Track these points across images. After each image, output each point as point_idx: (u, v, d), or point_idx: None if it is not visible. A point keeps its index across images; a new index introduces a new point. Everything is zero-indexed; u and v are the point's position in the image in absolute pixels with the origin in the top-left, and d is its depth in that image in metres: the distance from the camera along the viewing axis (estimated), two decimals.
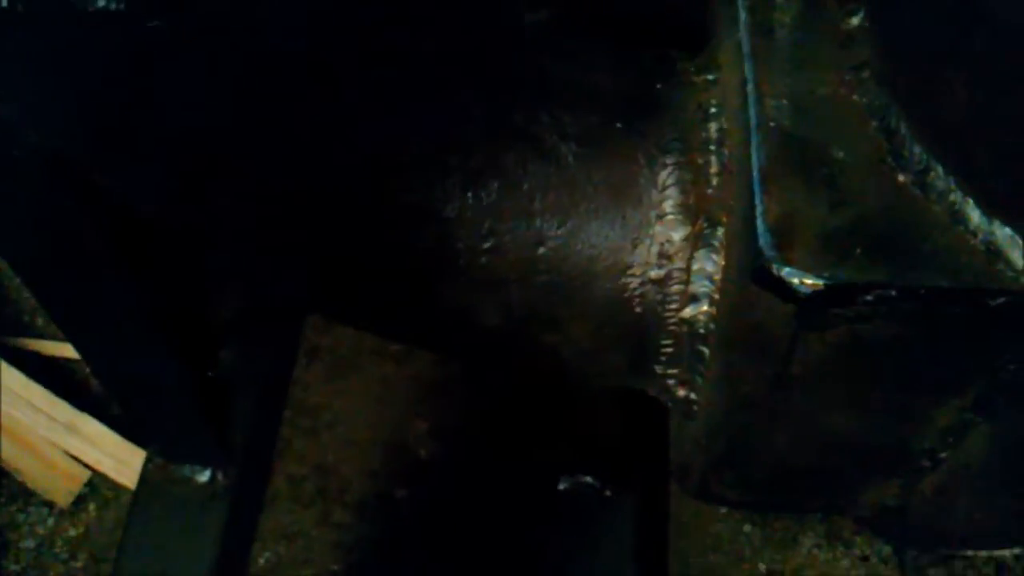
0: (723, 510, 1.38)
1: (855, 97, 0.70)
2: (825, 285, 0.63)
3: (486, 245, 0.74)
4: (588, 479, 1.23)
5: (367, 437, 1.40)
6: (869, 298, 0.64)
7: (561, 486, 1.24)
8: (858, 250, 0.64)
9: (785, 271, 0.64)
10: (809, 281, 0.64)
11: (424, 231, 0.72)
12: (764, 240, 0.65)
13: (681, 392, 0.84)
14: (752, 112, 0.70)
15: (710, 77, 0.81)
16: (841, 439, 0.81)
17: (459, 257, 0.74)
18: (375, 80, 0.65)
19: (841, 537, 1.36)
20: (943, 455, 0.83)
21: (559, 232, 0.76)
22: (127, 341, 0.98)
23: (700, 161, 0.78)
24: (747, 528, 1.39)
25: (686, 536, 1.38)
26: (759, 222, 0.66)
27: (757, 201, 0.66)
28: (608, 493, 1.23)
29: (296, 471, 1.38)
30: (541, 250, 0.76)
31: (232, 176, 0.65)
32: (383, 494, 1.36)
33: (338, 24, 0.61)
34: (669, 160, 0.78)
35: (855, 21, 0.73)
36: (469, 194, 0.72)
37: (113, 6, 0.49)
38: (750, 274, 0.67)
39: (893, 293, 0.63)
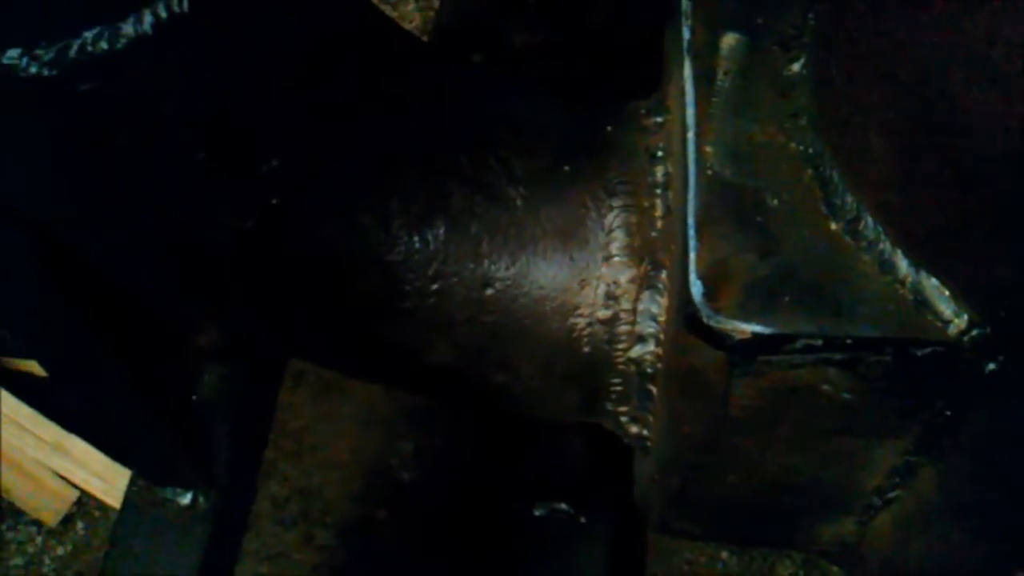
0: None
1: (792, 144, 0.71)
2: (752, 334, 0.64)
3: (434, 287, 0.76)
4: (563, 505, 1.24)
5: (351, 460, 1.42)
6: (797, 347, 0.65)
7: (536, 512, 1.26)
8: (787, 299, 0.65)
9: (714, 319, 0.65)
10: (737, 330, 0.65)
11: (370, 275, 0.73)
12: (695, 288, 0.66)
13: (634, 429, 0.85)
14: (690, 158, 0.71)
15: (659, 120, 0.82)
16: (789, 478, 0.82)
17: (406, 299, 0.75)
18: (308, 131, 0.67)
19: (818, 566, 1.37)
20: (893, 494, 0.84)
21: (507, 274, 0.77)
22: (100, 374, 1.00)
23: (646, 204, 0.79)
24: (724, 555, 1.39)
25: (662, 563, 1.39)
26: (690, 269, 0.67)
27: (690, 248, 0.68)
28: (583, 519, 1.24)
29: (280, 493, 1.40)
30: (489, 291, 0.77)
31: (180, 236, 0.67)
32: (365, 517, 1.37)
33: (262, 81, 0.63)
34: (616, 203, 0.79)
35: (796, 68, 0.75)
36: (415, 238, 0.74)
37: (46, 72, 0.51)
38: (682, 320, 0.68)
39: (820, 342, 0.64)
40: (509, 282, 0.77)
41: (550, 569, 1.23)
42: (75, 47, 0.51)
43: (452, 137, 0.75)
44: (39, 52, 0.53)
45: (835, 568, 1.37)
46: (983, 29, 0.51)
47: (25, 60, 0.52)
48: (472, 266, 0.76)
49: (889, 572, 1.02)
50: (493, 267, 0.77)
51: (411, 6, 1.90)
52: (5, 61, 0.52)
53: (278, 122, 0.65)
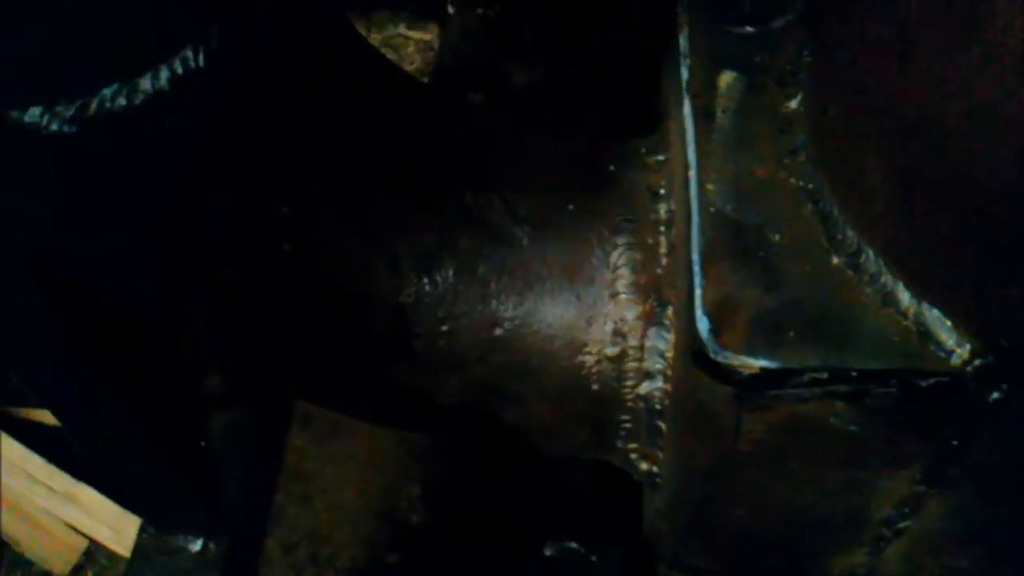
0: None
1: (792, 180, 0.73)
2: (760, 368, 0.65)
3: (443, 328, 0.77)
4: (574, 544, 1.24)
5: (359, 503, 1.41)
6: (804, 380, 0.66)
7: (547, 552, 1.25)
8: (792, 333, 0.66)
9: (721, 355, 0.66)
10: (744, 364, 0.66)
11: (380, 317, 0.74)
12: (701, 324, 0.67)
13: (644, 466, 0.86)
14: (692, 196, 0.73)
15: (660, 158, 0.84)
16: (799, 511, 0.82)
17: (417, 340, 0.76)
18: (316, 176, 0.68)
19: None
20: (903, 525, 0.84)
21: (515, 313, 0.79)
22: (109, 418, 1.01)
23: (650, 241, 0.80)
24: None
25: None
26: (696, 306, 0.68)
27: (695, 285, 0.69)
28: (594, 559, 1.24)
29: (289, 538, 1.39)
30: (498, 331, 0.78)
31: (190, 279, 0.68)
32: (375, 560, 1.37)
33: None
34: (620, 240, 0.80)
35: (793, 105, 0.76)
36: (424, 279, 0.75)
37: (66, 129, 0.52)
38: (690, 356, 0.69)
39: (826, 375, 0.65)
40: (518, 321, 0.78)
41: None
42: (94, 104, 0.53)
43: (456, 178, 0.76)
44: (59, 109, 0.54)
45: None
46: (974, 64, 0.53)
47: (47, 118, 0.54)
48: (481, 306, 0.77)
49: None
50: (501, 307, 0.78)
51: (411, 48, 1.93)
52: (27, 120, 0.54)
53: (288, 166, 0.67)
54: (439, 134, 0.78)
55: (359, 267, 0.72)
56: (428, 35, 1.92)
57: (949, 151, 0.57)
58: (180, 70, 0.54)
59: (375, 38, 1.96)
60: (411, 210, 0.74)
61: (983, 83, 0.53)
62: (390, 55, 2.01)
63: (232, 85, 0.58)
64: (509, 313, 0.78)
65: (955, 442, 0.71)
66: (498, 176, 0.79)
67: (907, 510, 0.81)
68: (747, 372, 0.65)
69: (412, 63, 1.91)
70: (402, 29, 1.94)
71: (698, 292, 0.68)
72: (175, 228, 0.67)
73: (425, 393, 0.81)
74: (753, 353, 0.65)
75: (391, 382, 0.81)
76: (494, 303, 0.77)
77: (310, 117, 0.70)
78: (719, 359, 0.66)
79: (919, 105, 0.58)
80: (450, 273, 0.75)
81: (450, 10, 1.83)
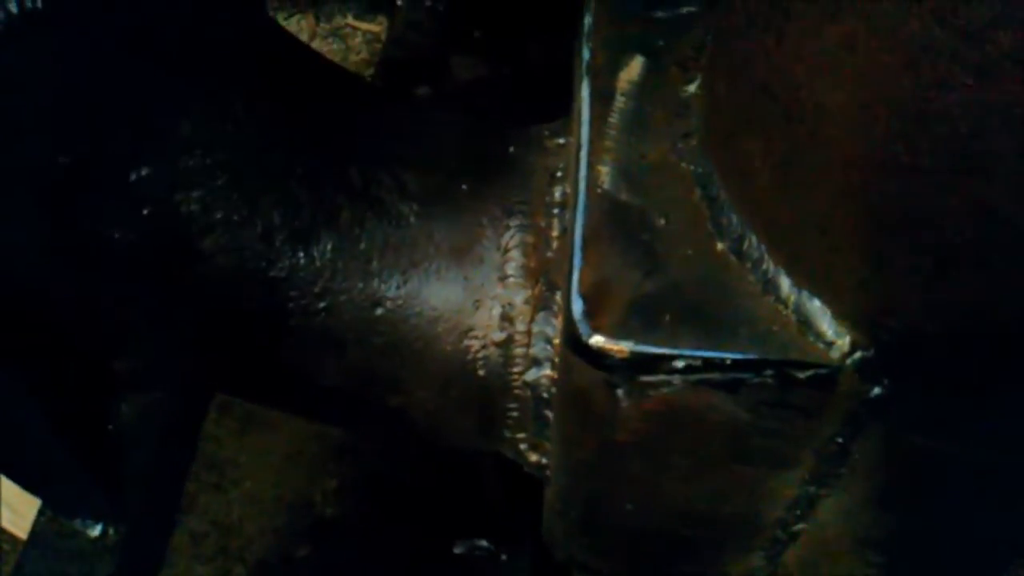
0: None
1: (683, 165, 0.70)
2: (631, 353, 0.63)
3: (321, 305, 0.74)
4: (483, 542, 1.21)
5: (273, 495, 1.38)
6: (677, 367, 0.63)
7: (457, 550, 1.22)
8: (668, 318, 0.64)
9: (593, 338, 0.64)
10: (615, 348, 0.63)
11: (253, 292, 0.71)
12: (575, 306, 0.65)
13: (532, 457, 0.83)
14: (580, 177, 0.70)
15: (561, 141, 0.81)
16: (688, 509, 0.80)
17: (292, 317, 0.73)
18: (182, 136, 0.65)
19: None
20: (797, 527, 0.82)
21: (398, 293, 0.76)
22: (4, 397, 0.97)
23: (543, 224, 0.78)
24: None
25: None
26: (573, 287, 0.65)
27: (574, 267, 0.66)
28: (504, 557, 1.21)
29: (198, 527, 1.36)
30: (380, 311, 0.76)
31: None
32: (285, 553, 1.33)
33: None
34: (513, 222, 0.78)
35: (692, 89, 0.74)
36: (300, 253, 0.72)
37: None
38: (565, 340, 0.66)
39: (699, 363, 0.63)
40: (400, 302, 0.75)
41: None
42: None
43: (341, 150, 0.73)
44: None
45: None
46: (843, 36, 0.50)
47: None
48: (361, 284, 0.74)
49: None
50: (383, 286, 0.75)
51: (358, 39, 1.90)
52: None
53: (147, 126, 0.64)
54: (325, 106, 0.75)
55: (229, 237, 0.69)
56: (375, 27, 1.90)
57: (822, 130, 0.55)
58: (15, 10, 0.51)
59: (323, 27, 1.93)
60: (288, 179, 0.70)
61: (851, 58, 0.51)
62: (336, 45, 1.99)
63: (77, 32, 0.55)
64: (391, 293, 0.75)
65: (840, 440, 0.69)
66: (388, 151, 0.76)
67: (799, 512, 0.79)
68: (619, 356, 0.63)
69: (359, 54, 1.89)
70: (350, 19, 1.91)
71: (576, 274, 0.66)
72: (28, 186, 0.63)
73: (305, 375, 0.78)
74: (626, 337, 0.63)
75: (272, 364, 0.77)
76: (376, 281, 0.74)
77: (173, 69, 0.67)
78: (591, 342, 0.63)
79: (793, 83, 0.55)
80: (328, 248, 0.72)
81: (398, 2, 1.81)
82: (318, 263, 0.72)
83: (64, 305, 0.90)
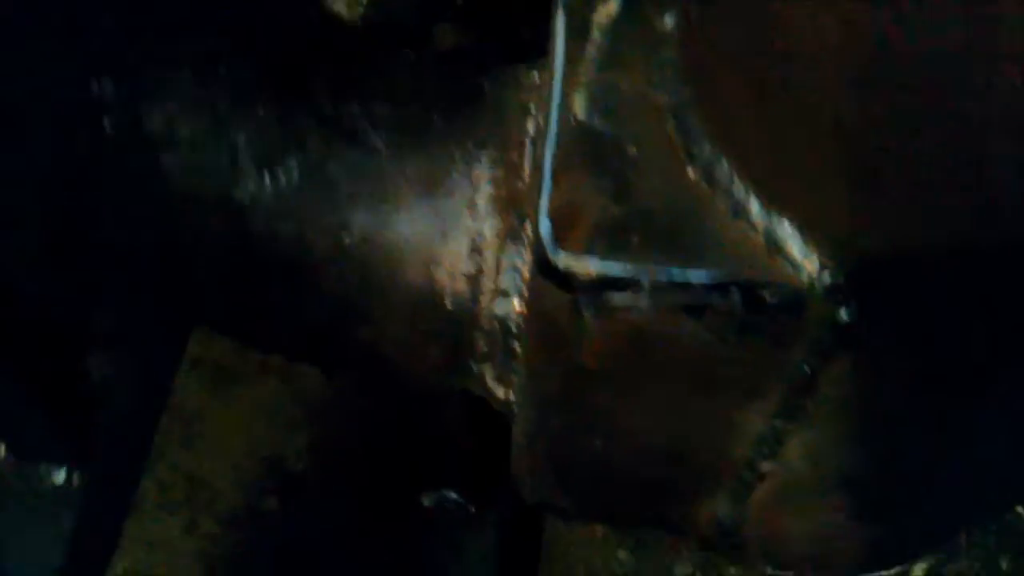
0: (598, 535, 1.36)
1: (657, 96, 0.70)
2: (597, 273, 0.63)
3: (286, 230, 0.73)
4: (452, 495, 1.21)
5: (243, 449, 1.36)
6: (643, 287, 0.63)
7: (425, 502, 1.22)
8: (635, 240, 0.63)
9: (560, 257, 0.63)
10: (582, 268, 0.63)
11: (215, 214, 0.71)
12: (543, 227, 0.64)
13: (500, 392, 0.83)
14: (554, 104, 0.70)
15: (536, 78, 0.81)
16: (655, 444, 0.80)
17: (257, 243, 0.73)
18: (148, 43, 0.64)
19: (716, 568, 1.34)
20: (765, 467, 0.82)
21: (366, 222, 0.75)
22: None
23: (515, 157, 0.77)
24: (621, 554, 1.37)
25: (555, 560, 1.36)
26: (542, 210, 0.65)
27: (543, 189, 0.66)
28: (473, 509, 1.21)
29: (166, 479, 1.34)
30: (347, 239, 0.75)
31: None
32: (254, 507, 1.32)
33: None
34: (484, 155, 0.77)
35: (668, 22, 0.74)
36: (266, 176, 0.71)
37: None
38: (533, 262, 0.66)
39: (666, 284, 0.63)
40: (368, 231, 0.75)
41: (437, 559, 1.19)
42: None
43: (311, 75, 0.72)
44: None
45: (732, 568, 1.35)
46: None
47: None
48: (328, 212, 0.73)
49: (771, 560, 1.01)
50: (351, 214, 0.74)
51: (339, 2, 1.88)
52: None
53: (111, 37, 0.63)
54: (297, 30, 0.75)
55: (193, 155, 0.68)
56: None
57: (797, 57, 0.55)
58: None
59: None
60: (256, 100, 0.70)
61: None
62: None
63: None
64: (359, 221, 0.74)
65: (807, 369, 0.69)
66: (360, 82, 0.76)
67: (766, 450, 0.79)
68: (584, 276, 0.62)
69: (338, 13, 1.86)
70: None
71: (545, 196, 0.65)
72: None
73: (269, 305, 0.77)
74: (592, 257, 0.62)
75: (236, 292, 0.77)
76: (343, 210, 0.74)
77: None
78: (558, 262, 0.63)
79: (768, 10, 0.55)
80: (295, 172, 0.71)
81: None
82: (284, 188, 0.72)
83: (27, 246, 0.88)
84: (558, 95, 0.70)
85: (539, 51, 0.83)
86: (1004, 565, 1.17)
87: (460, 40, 1.81)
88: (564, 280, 0.63)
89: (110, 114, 0.64)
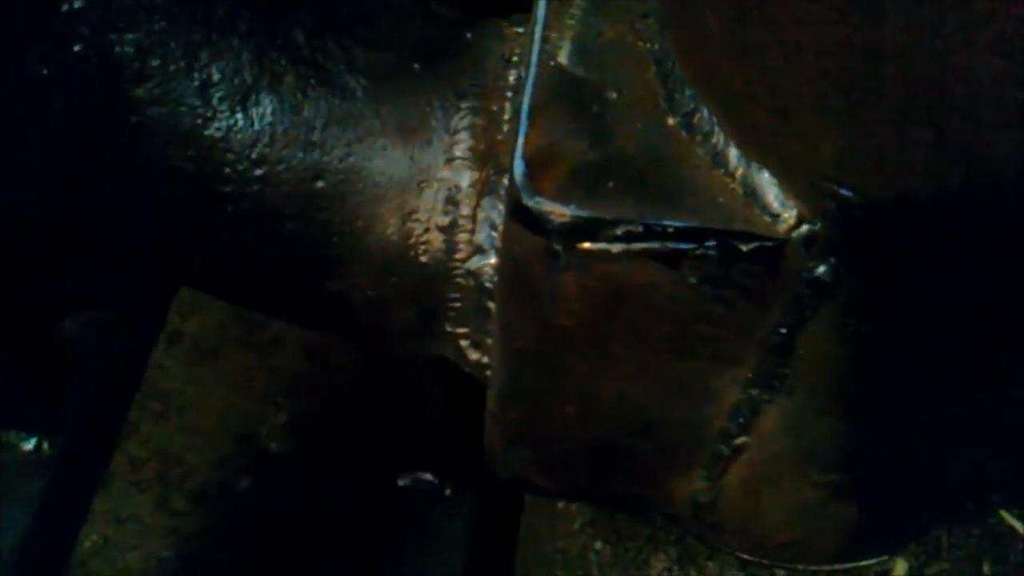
0: (576, 526, 1.34)
1: (639, 43, 0.68)
2: (572, 217, 0.61)
3: (257, 172, 0.71)
4: (428, 476, 1.19)
5: (218, 426, 1.34)
6: (618, 233, 0.61)
7: (401, 483, 1.20)
8: (611, 185, 0.62)
9: (534, 201, 0.61)
10: (555, 211, 0.61)
11: (186, 151, 0.69)
12: (517, 169, 0.62)
13: (473, 355, 0.81)
14: (534, 50, 0.68)
15: (519, 30, 0.79)
16: (628, 411, 0.77)
17: (226, 183, 0.71)
18: None
19: (694, 561, 1.32)
20: (740, 441, 0.80)
21: (340, 166, 0.73)
22: None
23: (494, 108, 0.75)
24: (598, 545, 1.34)
25: (532, 550, 1.33)
26: (517, 153, 0.63)
27: (520, 132, 0.64)
28: (448, 492, 1.19)
29: (138, 454, 1.32)
30: (320, 184, 0.73)
31: None
32: (226, 484, 1.30)
33: None
34: (464, 105, 0.75)
35: None
36: (238, 113, 0.69)
37: None
38: (507, 208, 0.64)
39: (640, 229, 0.61)
40: (342, 176, 0.73)
41: (409, 541, 1.17)
42: None
43: (288, 13, 0.71)
44: None
45: (710, 563, 1.32)
46: None
47: None
48: (302, 154, 0.71)
49: (747, 544, 0.98)
50: (325, 158, 0.72)
51: None
52: None
53: None
54: None
55: (164, 88, 0.67)
56: None
57: (778, 4, 0.53)
58: None
59: None
60: (231, 34, 0.68)
61: None
62: None
63: None
64: (333, 166, 0.72)
65: (784, 330, 0.67)
66: (339, 23, 0.74)
67: (742, 420, 0.77)
68: (558, 219, 0.60)
69: None
70: None
71: (521, 139, 0.64)
72: None
73: (239, 251, 0.75)
74: (567, 200, 0.61)
75: (204, 234, 0.75)
76: (317, 152, 0.72)
77: None
78: (531, 204, 0.61)
79: None
80: (268, 111, 0.70)
81: None
82: (257, 126, 0.70)
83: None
84: (539, 39, 0.69)
85: (526, 8, 0.82)
86: (986, 568, 1.14)
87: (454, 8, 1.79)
88: (537, 224, 0.61)
89: (80, 39, 0.63)
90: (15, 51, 0.64)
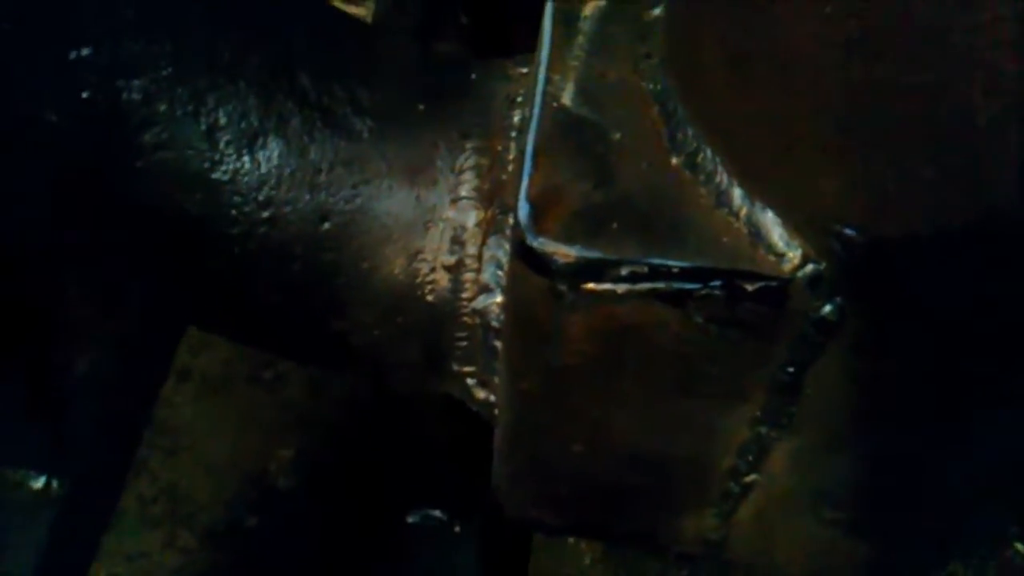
0: (586, 561, 1.33)
1: (642, 84, 0.69)
2: (576, 257, 0.61)
3: (264, 214, 0.72)
4: (437, 513, 1.18)
5: (226, 463, 1.35)
6: (622, 274, 0.61)
7: (410, 519, 1.19)
8: (615, 226, 0.62)
9: (538, 242, 0.62)
10: (560, 252, 0.61)
11: (194, 193, 0.69)
12: (522, 211, 0.63)
13: (480, 394, 0.81)
14: (538, 91, 0.69)
15: (523, 70, 0.80)
16: (637, 451, 0.77)
17: (233, 225, 0.71)
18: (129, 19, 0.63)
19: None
20: (749, 478, 0.79)
21: (346, 208, 0.73)
22: None
23: (499, 147, 0.76)
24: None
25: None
26: (522, 194, 0.63)
27: (524, 173, 0.64)
28: (457, 528, 1.18)
29: (147, 491, 1.32)
30: (326, 225, 0.73)
31: None
32: (235, 521, 1.30)
33: None
34: (469, 144, 0.76)
35: (656, 12, 0.73)
36: (245, 156, 0.70)
37: None
38: (511, 246, 0.64)
39: (645, 270, 0.61)
40: (348, 218, 0.73)
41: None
42: None
43: (294, 56, 0.71)
44: None
45: None
46: None
47: None
48: (308, 196, 0.72)
49: None
50: (331, 199, 0.73)
51: None
52: None
53: (90, 5, 0.62)
54: (281, 10, 0.74)
55: (171, 132, 0.67)
56: (362, 10, 1.89)
57: (776, 24, 0.53)
58: None
59: None
60: (237, 78, 0.69)
61: None
62: None
63: None
64: (340, 207, 0.73)
65: (791, 369, 0.66)
66: (344, 65, 0.75)
67: (751, 459, 0.76)
68: (563, 261, 0.61)
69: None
70: (337, 2, 1.90)
71: (526, 180, 0.64)
72: None
73: (244, 291, 0.75)
74: (571, 241, 0.61)
75: (209, 276, 0.75)
76: (323, 194, 0.72)
77: None
78: (536, 245, 0.61)
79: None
80: (275, 154, 0.70)
81: None
82: (263, 169, 0.70)
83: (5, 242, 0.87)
84: (543, 81, 0.69)
85: (526, 47, 0.82)
86: None
87: (461, 53, 1.80)
88: (542, 265, 0.61)
89: (88, 85, 0.63)
90: (24, 97, 0.64)
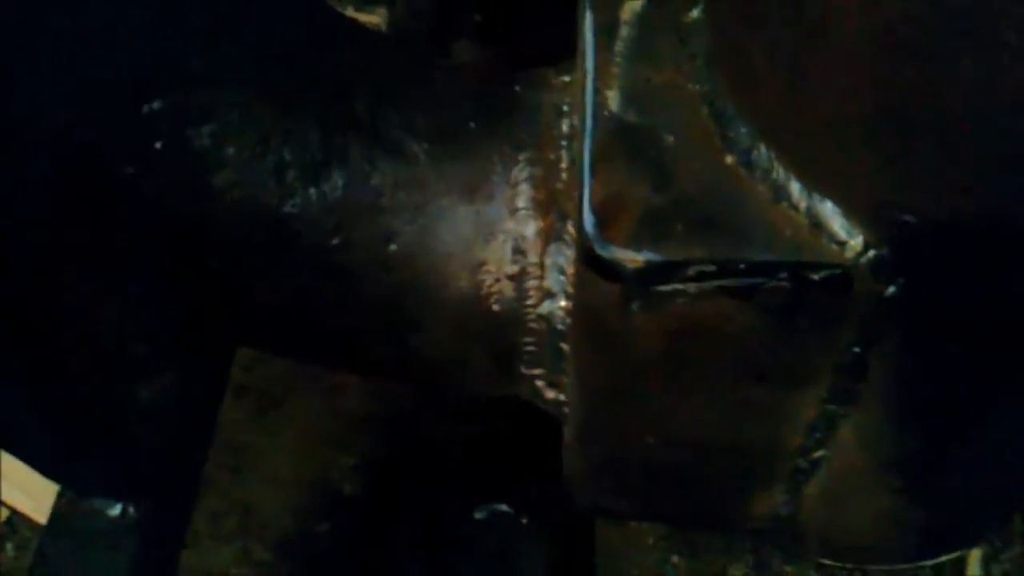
0: (650, 540, 1.36)
1: (689, 85, 0.71)
2: (645, 262, 0.63)
3: (334, 242, 0.74)
4: (504, 507, 1.21)
5: (291, 474, 1.38)
6: (691, 274, 0.63)
7: (477, 515, 1.22)
8: (679, 228, 0.64)
9: (606, 250, 0.64)
10: (628, 258, 0.63)
11: (266, 229, 0.72)
12: (587, 221, 0.65)
13: (550, 394, 0.83)
14: (587, 101, 0.71)
15: (567, 79, 0.82)
16: (707, 438, 0.80)
17: (305, 254, 0.74)
18: (194, 70, 0.66)
19: (770, 568, 1.33)
20: (818, 454, 0.82)
21: (411, 228, 0.76)
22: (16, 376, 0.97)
23: (551, 157, 0.78)
24: (675, 559, 1.36)
25: (610, 567, 1.36)
26: (584, 204, 0.66)
27: (584, 184, 0.67)
28: (525, 521, 1.21)
29: (218, 508, 1.36)
30: (393, 247, 0.76)
31: None
32: (304, 531, 1.33)
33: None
34: (522, 156, 0.78)
35: (695, 14, 0.74)
36: (311, 189, 0.72)
37: None
38: (578, 256, 0.67)
39: (714, 268, 0.63)
40: (413, 238, 0.76)
41: (488, 571, 1.19)
42: None
43: (347, 88, 0.74)
44: None
45: (788, 568, 1.34)
46: None
47: None
48: (373, 220, 0.74)
49: (828, 550, 1.00)
50: (396, 222, 0.75)
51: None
52: None
53: (158, 60, 0.65)
54: (329, 44, 0.76)
55: (241, 174, 0.70)
56: (376, 18, 1.91)
57: (828, 20, 0.55)
58: None
59: None
60: (297, 116, 0.71)
61: None
62: None
63: None
64: (404, 229, 0.75)
65: (857, 349, 0.69)
66: (395, 92, 0.77)
67: (819, 435, 0.79)
68: (632, 266, 0.63)
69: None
70: (350, 11, 1.92)
71: (586, 191, 0.66)
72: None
73: (321, 315, 0.78)
74: (638, 247, 0.63)
75: (284, 304, 0.78)
76: (388, 217, 0.75)
77: (196, 13, 0.68)
78: (604, 254, 0.63)
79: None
80: (339, 184, 0.73)
81: None
82: (330, 199, 0.73)
83: (71, 281, 0.90)
84: (591, 91, 0.71)
85: (561, 54, 0.84)
86: None
87: (477, 55, 1.82)
88: (611, 272, 0.63)
89: (160, 136, 0.66)
90: (102, 155, 0.67)
